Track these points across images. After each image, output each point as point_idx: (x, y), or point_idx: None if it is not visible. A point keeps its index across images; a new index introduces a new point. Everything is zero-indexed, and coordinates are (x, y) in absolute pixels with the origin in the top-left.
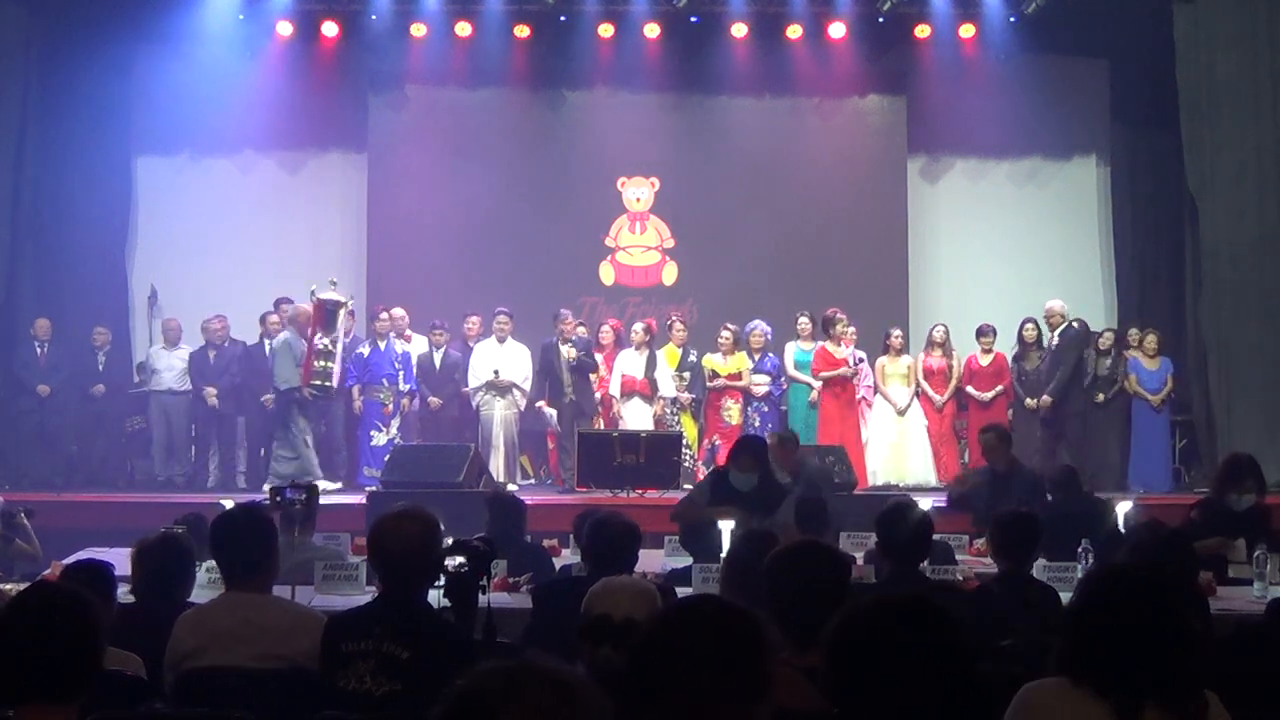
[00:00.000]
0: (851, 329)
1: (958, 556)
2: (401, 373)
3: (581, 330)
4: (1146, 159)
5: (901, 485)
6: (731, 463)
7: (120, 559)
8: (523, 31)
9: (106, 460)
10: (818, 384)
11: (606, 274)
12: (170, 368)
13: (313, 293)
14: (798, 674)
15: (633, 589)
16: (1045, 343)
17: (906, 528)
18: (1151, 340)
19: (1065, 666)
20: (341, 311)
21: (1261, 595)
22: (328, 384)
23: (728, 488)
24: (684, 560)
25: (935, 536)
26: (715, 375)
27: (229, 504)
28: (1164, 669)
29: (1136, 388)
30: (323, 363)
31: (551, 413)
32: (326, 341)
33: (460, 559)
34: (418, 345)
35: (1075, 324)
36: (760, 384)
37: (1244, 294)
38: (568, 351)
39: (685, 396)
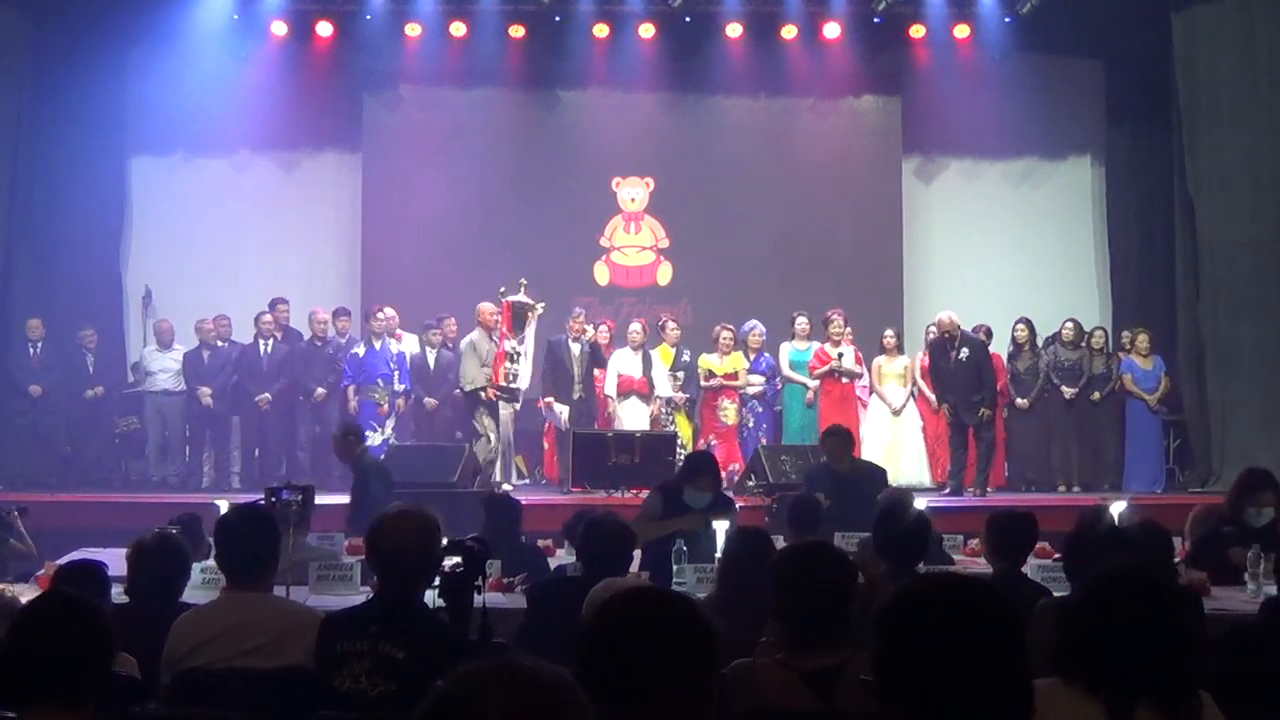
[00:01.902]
0: (848, 329)
1: (953, 556)
2: (397, 372)
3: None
4: (1141, 159)
5: (895, 485)
6: (689, 481)
7: (114, 559)
8: (517, 31)
9: (100, 460)
10: (814, 383)
11: (601, 274)
12: (165, 369)
13: (502, 293)
14: (793, 676)
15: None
16: (1037, 344)
17: (904, 527)
18: (1143, 340)
19: (1059, 665)
20: (531, 315)
21: (1255, 595)
22: (514, 386)
23: (681, 505)
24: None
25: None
26: (711, 375)
27: (223, 504)
28: (1159, 668)
29: (1132, 387)
30: (511, 365)
31: (562, 409)
32: (514, 344)
33: (456, 559)
34: (409, 345)
35: (980, 330)
36: (755, 384)
37: (1240, 294)
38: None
39: (680, 396)
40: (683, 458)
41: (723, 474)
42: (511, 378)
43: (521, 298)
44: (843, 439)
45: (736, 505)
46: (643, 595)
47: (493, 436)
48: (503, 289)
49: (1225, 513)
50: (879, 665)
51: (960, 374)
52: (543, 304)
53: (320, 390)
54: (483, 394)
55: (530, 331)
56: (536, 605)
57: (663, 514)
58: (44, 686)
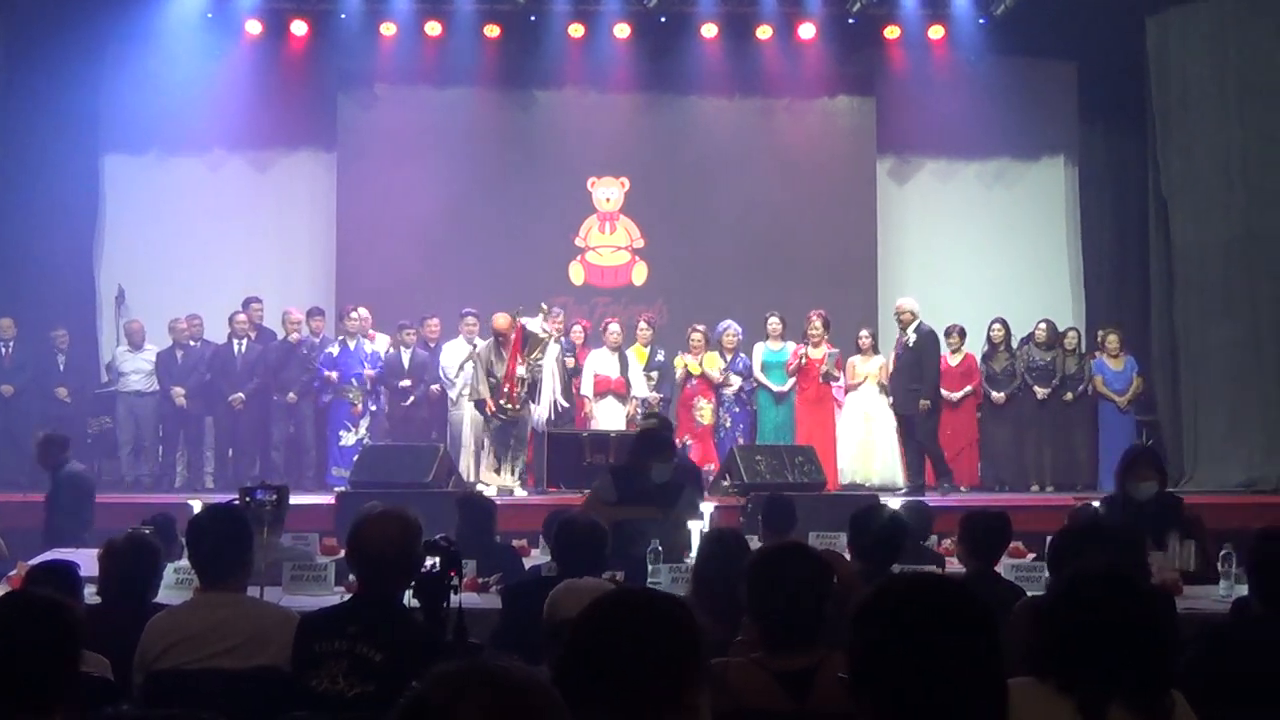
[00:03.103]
0: (826, 331)
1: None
2: (371, 372)
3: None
4: (1114, 160)
5: (868, 485)
6: (654, 456)
7: (87, 559)
8: (493, 31)
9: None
10: (780, 387)
11: (576, 274)
12: (137, 370)
13: (518, 313)
14: (769, 675)
15: (596, 591)
16: (1012, 344)
17: (878, 528)
18: (1113, 340)
19: (1034, 665)
20: (542, 347)
21: (1227, 595)
22: (516, 411)
23: (637, 482)
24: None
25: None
26: (690, 375)
27: (196, 505)
28: (1131, 668)
29: (1102, 389)
30: (517, 389)
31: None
32: (522, 369)
33: (432, 560)
34: (381, 345)
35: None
36: (735, 384)
37: (1213, 294)
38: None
39: (654, 397)
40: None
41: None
42: (520, 401)
43: (536, 326)
44: None
45: (692, 476)
46: (625, 597)
47: (496, 448)
48: (520, 308)
49: (1115, 491)
50: (854, 663)
51: (903, 361)
52: (558, 338)
53: (290, 395)
54: (484, 408)
55: (547, 363)
56: (512, 606)
57: (617, 498)
58: (9, 689)
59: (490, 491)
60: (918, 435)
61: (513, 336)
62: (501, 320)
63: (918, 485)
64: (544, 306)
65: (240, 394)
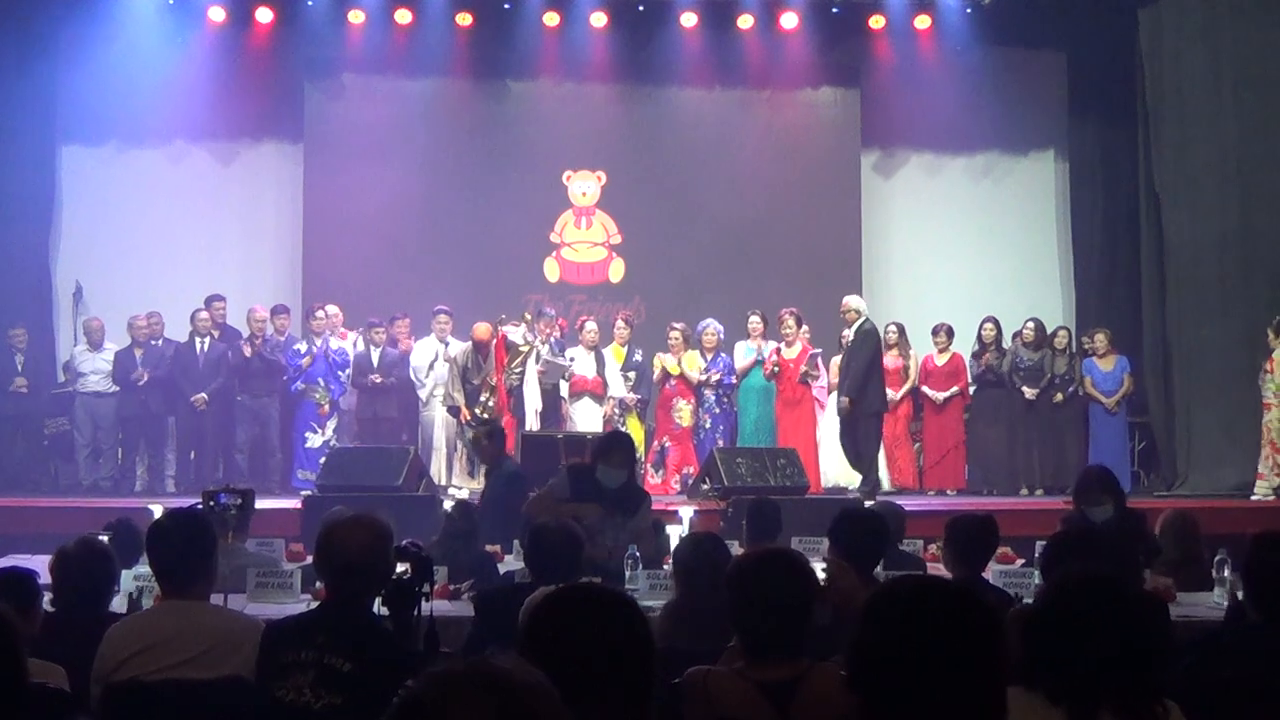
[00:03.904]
0: (803, 330)
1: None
2: (340, 373)
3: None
4: (1105, 155)
5: (852, 489)
6: (602, 458)
7: (45, 566)
8: (465, 19)
9: (25, 463)
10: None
11: (551, 270)
12: (96, 370)
13: (501, 321)
14: (751, 686)
15: None
16: (1003, 344)
17: (860, 532)
18: (1101, 339)
19: (1023, 674)
20: (522, 358)
21: (1221, 602)
22: (490, 419)
23: (593, 483)
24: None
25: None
26: (668, 375)
27: (157, 509)
28: (1122, 676)
29: (1090, 390)
30: (493, 399)
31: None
32: (506, 377)
33: (402, 566)
34: (351, 344)
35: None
36: (713, 384)
37: (1206, 293)
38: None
39: (631, 397)
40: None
41: (677, 476)
42: (490, 410)
43: (517, 335)
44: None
45: (651, 498)
46: (577, 594)
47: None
48: (503, 317)
49: (1072, 511)
50: (854, 665)
51: (844, 361)
52: (536, 350)
53: (200, 396)
54: (458, 415)
55: (528, 373)
56: (485, 613)
57: (569, 495)
58: None
59: (463, 495)
60: (854, 434)
61: (493, 345)
62: (482, 330)
63: (871, 487)
64: (527, 316)
65: (203, 394)
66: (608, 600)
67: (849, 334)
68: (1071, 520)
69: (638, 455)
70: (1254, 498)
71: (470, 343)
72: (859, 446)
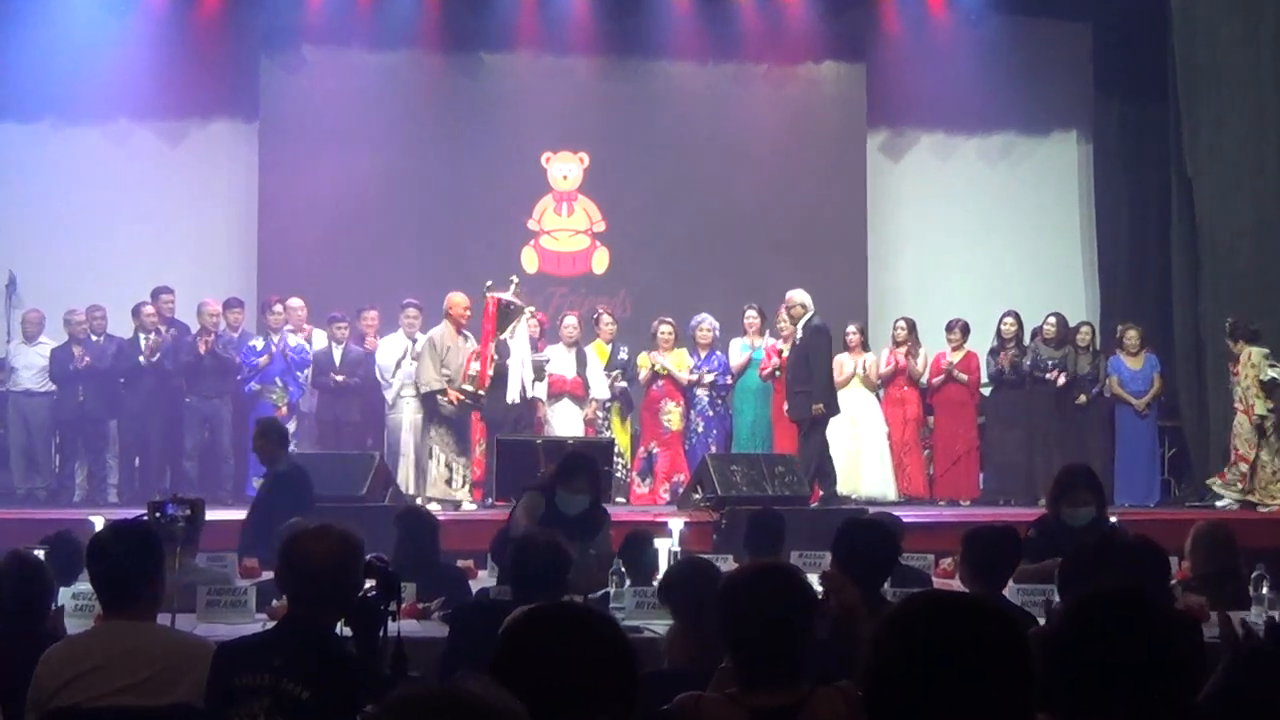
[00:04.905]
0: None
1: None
2: (300, 372)
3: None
4: (1133, 134)
5: (856, 498)
6: (562, 483)
7: None
8: None
9: None
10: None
11: (529, 260)
12: (29, 365)
13: (488, 288)
14: (744, 713)
15: None
16: (1024, 341)
17: (867, 545)
18: (1133, 336)
19: (1042, 700)
20: (517, 320)
21: (1259, 621)
22: (478, 392)
23: (552, 510)
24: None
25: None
26: (655, 375)
27: (99, 521)
28: (1149, 702)
29: (1118, 389)
30: (488, 367)
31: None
32: (494, 345)
33: (369, 582)
34: (317, 340)
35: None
36: (706, 382)
37: (1242, 284)
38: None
39: (619, 385)
40: (619, 468)
41: (666, 485)
42: (476, 382)
43: (510, 297)
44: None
45: (610, 520)
46: (560, 612)
47: (447, 455)
48: (489, 283)
49: (1047, 514)
50: (871, 685)
51: (791, 360)
52: (531, 308)
53: (187, 396)
54: (441, 398)
55: (520, 340)
56: (458, 632)
57: (544, 518)
58: None
59: (436, 507)
60: (810, 444)
61: (488, 311)
62: (459, 301)
63: (830, 494)
64: (513, 279)
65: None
66: (591, 620)
67: (795, 330)
68: (1046, 525)
69: (616, 468)
70: (1219, 505)
71: (444, 322)
72: (818, 453)
